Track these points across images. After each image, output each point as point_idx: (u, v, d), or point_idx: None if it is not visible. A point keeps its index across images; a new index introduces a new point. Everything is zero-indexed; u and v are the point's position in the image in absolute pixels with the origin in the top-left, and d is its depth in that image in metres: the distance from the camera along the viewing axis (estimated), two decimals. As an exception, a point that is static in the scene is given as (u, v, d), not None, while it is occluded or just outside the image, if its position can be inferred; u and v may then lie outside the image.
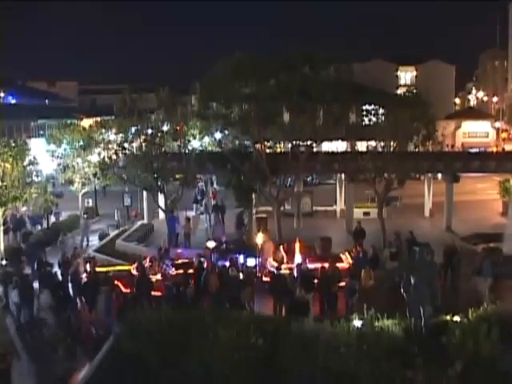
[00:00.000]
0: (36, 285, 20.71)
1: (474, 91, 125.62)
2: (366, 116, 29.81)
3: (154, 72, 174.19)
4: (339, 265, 20.86)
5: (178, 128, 29.76)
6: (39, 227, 32.79)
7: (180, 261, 22.79)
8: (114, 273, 20.97)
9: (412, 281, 14.92)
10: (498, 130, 76.40)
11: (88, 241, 29.94)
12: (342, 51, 28.07)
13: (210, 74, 27.90)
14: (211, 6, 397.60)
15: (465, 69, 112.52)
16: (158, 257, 23.01)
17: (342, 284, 19.33)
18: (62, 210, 35.65)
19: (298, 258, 22.30)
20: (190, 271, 20.41)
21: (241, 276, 19.77)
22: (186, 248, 26.65)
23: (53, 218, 34.18)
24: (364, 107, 30.36)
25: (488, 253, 22.36)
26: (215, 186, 41.61)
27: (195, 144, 31.36)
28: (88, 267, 20.76)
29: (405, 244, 23.16)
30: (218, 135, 31.14)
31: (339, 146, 34.06)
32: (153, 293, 19.22)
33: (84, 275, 20.51)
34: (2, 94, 71.57)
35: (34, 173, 27.13)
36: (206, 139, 32.83)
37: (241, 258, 22.19)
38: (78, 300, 19.83)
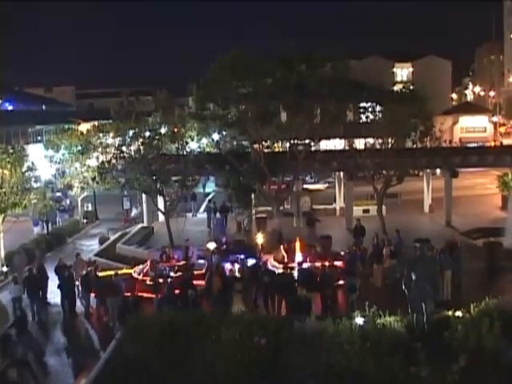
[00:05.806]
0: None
1: (470, 86, 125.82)
2: (364, 113, 29.84)
3: (151, 75, 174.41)
4: (338, 263, 20.75)
5: (175, 130, 29.75)
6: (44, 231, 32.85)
7: (182, 262, 22.77)
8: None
9: (413, 277, 14.91)
10: (495, 124, 76.45)
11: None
12: (338, 47, 27.86)
13: (206, 73, 27.87)
14: (209, 6, 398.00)
15: (461, 64, 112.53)
16: (159, 259, 23.01)
17: (341, 282, 19.33)
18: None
19: (298, 257, 22.29)
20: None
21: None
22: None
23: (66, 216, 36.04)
24: (361, 104, 30.37)
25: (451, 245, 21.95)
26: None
27: (193, 146, 31.35)
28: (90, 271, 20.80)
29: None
30: (215, 136, 31.13)
31: (337, 144, 33.98)
32: (154, 295, 19.25)
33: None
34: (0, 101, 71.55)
35: (33, 179, 27.09)
36: (204, 140, 32.83)
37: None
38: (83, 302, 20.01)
